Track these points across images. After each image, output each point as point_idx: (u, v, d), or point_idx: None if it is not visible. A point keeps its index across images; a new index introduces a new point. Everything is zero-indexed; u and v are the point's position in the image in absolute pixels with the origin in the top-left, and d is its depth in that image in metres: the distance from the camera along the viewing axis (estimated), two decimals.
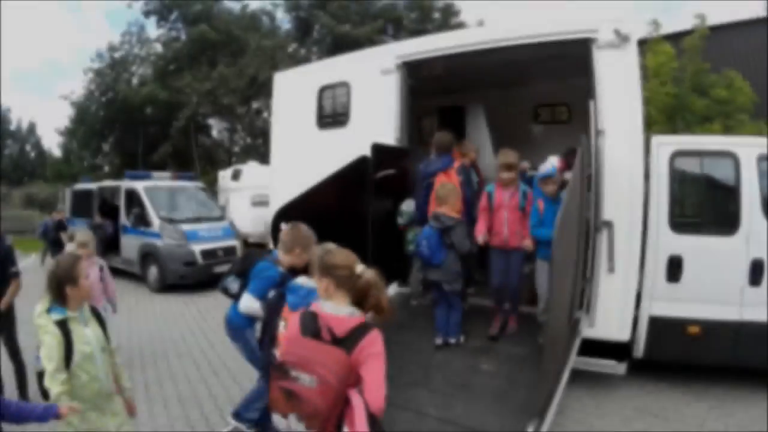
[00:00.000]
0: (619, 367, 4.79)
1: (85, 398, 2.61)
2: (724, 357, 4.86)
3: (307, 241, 3.42)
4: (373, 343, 2.05)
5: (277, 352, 2.11)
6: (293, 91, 6.82)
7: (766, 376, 4.87)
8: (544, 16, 5.08)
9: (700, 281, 4.80)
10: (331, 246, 2.44)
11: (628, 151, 4.48)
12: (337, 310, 2.11)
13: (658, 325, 4.91)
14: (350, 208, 4.70)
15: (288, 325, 2.12)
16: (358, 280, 2.18)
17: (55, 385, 2.47)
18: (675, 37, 12.07)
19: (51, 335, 2.55)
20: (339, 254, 2.25)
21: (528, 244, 4.56)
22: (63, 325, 2.59)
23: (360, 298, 2.18)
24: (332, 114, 6.33)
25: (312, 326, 2.07)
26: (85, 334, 2.69)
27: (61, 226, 11.88)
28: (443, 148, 5.06)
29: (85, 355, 2.63)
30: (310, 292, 2.90)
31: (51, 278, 2.66)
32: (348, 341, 2.03)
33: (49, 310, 2.63)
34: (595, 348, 4.65)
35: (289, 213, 3.94)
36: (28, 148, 45.05)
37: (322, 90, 6.41)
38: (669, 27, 12.81)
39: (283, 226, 3.60)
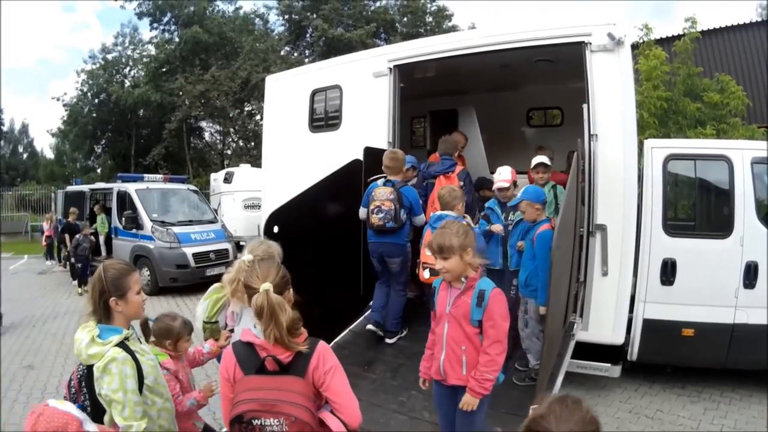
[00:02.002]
0: (614, 370, 4.78)
1: (164, 426, 2.20)
2: (718, 359, 4.87)
3: (404, 161, 4.52)
4: (325, 358, 1.83)
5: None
6: (285, 94, 6.80)
7: (760, 378, 4.89)
8: (538, 19, 5.06)
9: (693, 284, 4.81)
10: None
11: (622, 155, 4.48)
12: None
13: (652, 327, 4.91)
14: (343, 210, 4.67)
15: (222, 365, 1.85)
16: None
17: (138, 422, 2.00)
18: (667, 41, 12.15)
19: (122, 362, 2.00)
20: (261, 266, 1.93)
21: (468, 401, 2.52)
22: (125, 347, 2.08)
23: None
24: (324, 117, 6.31)
25: (252, 360, 1.81)
26: (146, 350, 2.25)
27: (70, 227, 11.65)
28: (448, 151, 5.08)
29: (156, 374, 2.20)
30: (440, 216, 3.62)
31: (94, 288, 2.13)
32: (297, 365, 1.80)
33: (100, 335, 2.06)
34: (589, 351, 4.64)
35: (281, 216, 3.91)
36: (20, 149, 44.71)
37: (315, 93, 6.39)
38: (661, 31, 12.91)
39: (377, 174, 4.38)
